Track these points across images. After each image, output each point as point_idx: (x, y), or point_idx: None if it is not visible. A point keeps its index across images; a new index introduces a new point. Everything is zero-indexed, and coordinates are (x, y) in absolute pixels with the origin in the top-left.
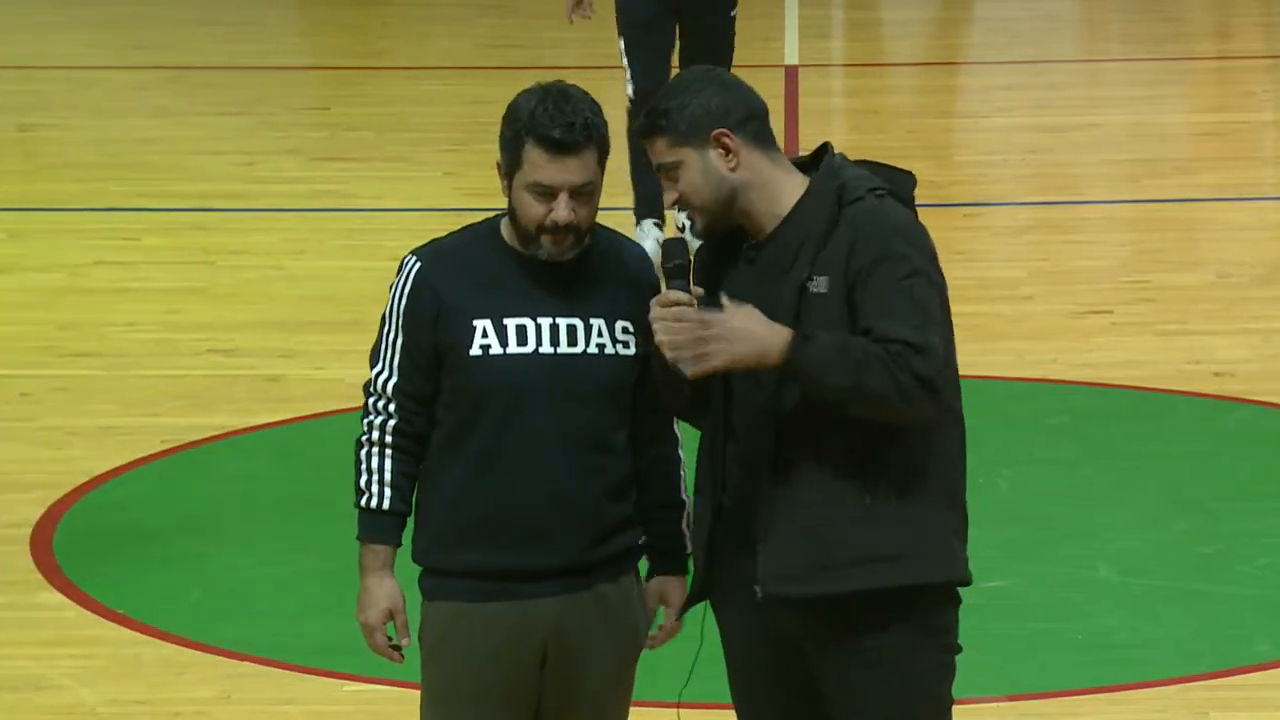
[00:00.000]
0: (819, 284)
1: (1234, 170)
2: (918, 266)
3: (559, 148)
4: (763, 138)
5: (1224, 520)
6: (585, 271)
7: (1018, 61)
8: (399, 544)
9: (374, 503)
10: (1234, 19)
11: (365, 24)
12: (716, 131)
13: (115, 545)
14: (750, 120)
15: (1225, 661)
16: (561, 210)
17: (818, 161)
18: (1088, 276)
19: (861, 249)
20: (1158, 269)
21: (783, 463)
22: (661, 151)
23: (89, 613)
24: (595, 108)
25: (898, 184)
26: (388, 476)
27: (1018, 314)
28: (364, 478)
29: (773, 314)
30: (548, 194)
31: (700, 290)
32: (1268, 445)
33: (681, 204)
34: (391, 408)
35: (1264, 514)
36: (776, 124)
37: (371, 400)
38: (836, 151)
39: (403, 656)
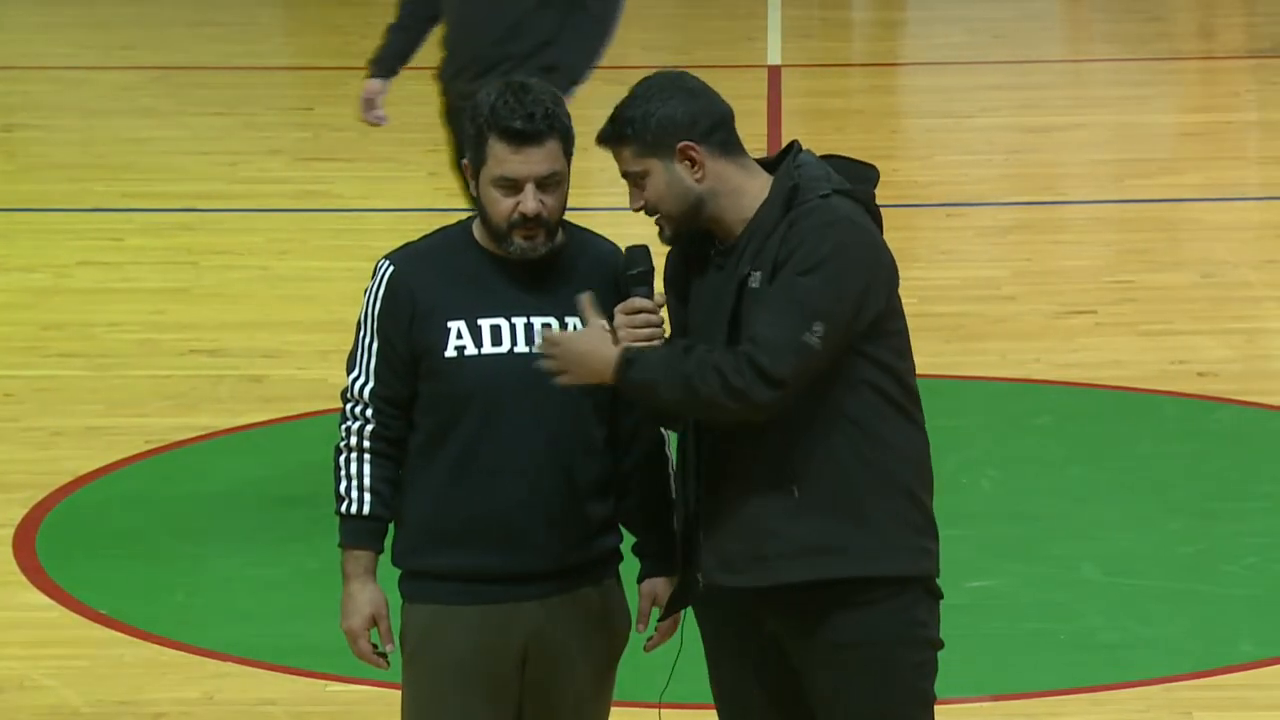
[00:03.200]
0: (755, 279)
1: (1218, 170)
2: (818, 263)
3: (521, 138)
4: (729, 146)
5: (1209, 520)
6: (559, 270)
7: (1002, 61)
8: (381, 550)
9: (353, 508)
10: (1217, 19)
11: (350, 24)
12: (682, 145)
13: (99, 546)
14: (716, 129)
15: (1210, 661)
16: (529, 201)
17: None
18: (1071, 276)
19: (785, 245)
20: (1142, 269)
21: (724, 455)
22: (627, 160)
23: (72, 613)
24: (556, 99)
25: (857, 180)
26: (367, 481)
27: (1001, 314)
28: (343, 484)
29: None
30: (514, 187)
31: (664, 296)
32: (1252, 445)
33: (648, 210)
34: (369, 413)
35: (1249, 514)
36: (759, 125)
37: (349, 406)
38: (804, 149)
39: (388, 663)
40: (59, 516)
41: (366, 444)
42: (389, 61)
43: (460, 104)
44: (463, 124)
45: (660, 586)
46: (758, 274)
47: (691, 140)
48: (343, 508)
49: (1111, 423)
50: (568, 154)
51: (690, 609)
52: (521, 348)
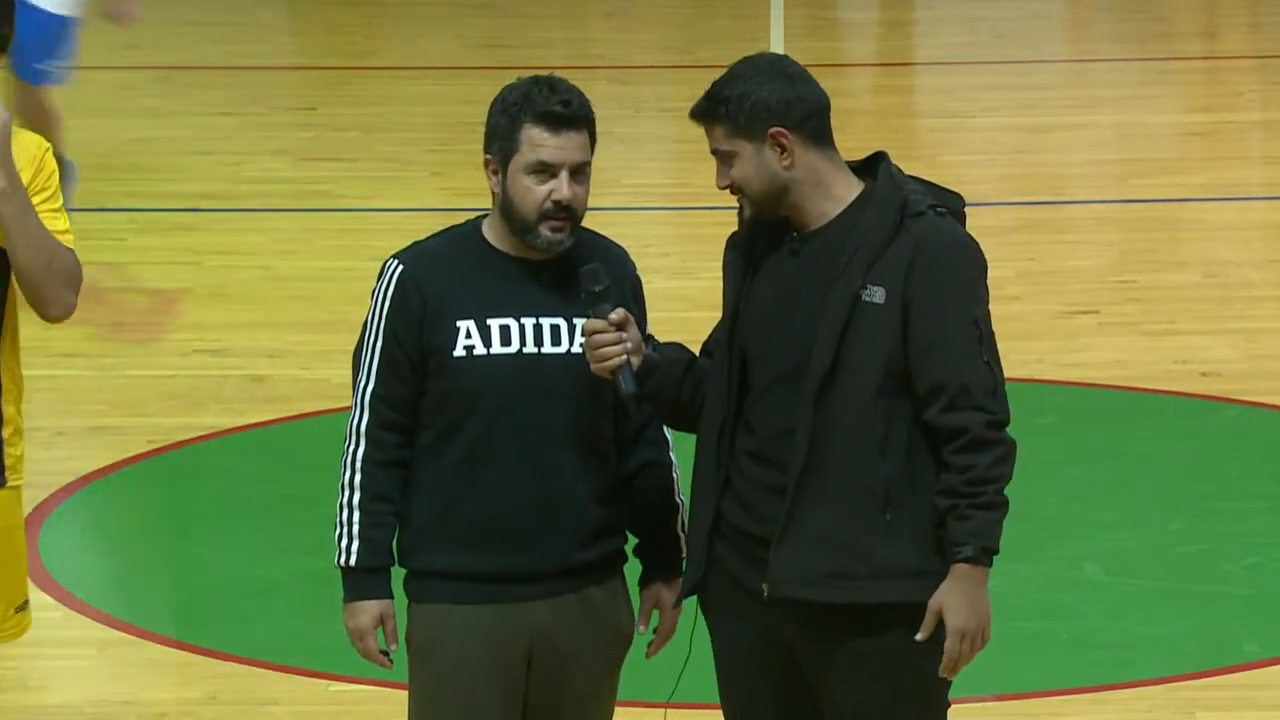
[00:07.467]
0: (874, 294)
1: (1221, 170)
2: (980, 295)
3: (560, 122)
4: (821, 136)
5: (1211, 520)
6: (568, 271)
7: (1004, 61)
8: (389, 596)
9: (350, 560)
10: (1220, 19)
11: (353, 24)
12: (774, 130)
13: (102, 545)
14: (810, 119)
15: (1212, 661)
16: (564, 188)
17: (871, 167)
18: (1074, 276)
19: (925, 270)
20: (1145, 269)
21: (810, 467)
22: (718, 139)
23: (75, 613)
24: (584, 95)
25: (950, 204)
26: (357, 529)
27: (1004, 314)
28: (336, 530)
29: (816, 316)
30: (549, 172)
31: (621, 313)
32: (1254, 445)
33: (733, 189)
34: (364, 425)
35: (1251, 514)
36: None
37: (350, 422)
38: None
39: (392, 662)
40: (62, 516)
41: (358, 478)
42: None
43: None
44: None
45: (664, 590)
46: (879, 290)
47: (784, 127)
48: (339, 559)
49: (1114, 423)
50: (592, 151)
51: (699, 619)
52: (530, 347)
